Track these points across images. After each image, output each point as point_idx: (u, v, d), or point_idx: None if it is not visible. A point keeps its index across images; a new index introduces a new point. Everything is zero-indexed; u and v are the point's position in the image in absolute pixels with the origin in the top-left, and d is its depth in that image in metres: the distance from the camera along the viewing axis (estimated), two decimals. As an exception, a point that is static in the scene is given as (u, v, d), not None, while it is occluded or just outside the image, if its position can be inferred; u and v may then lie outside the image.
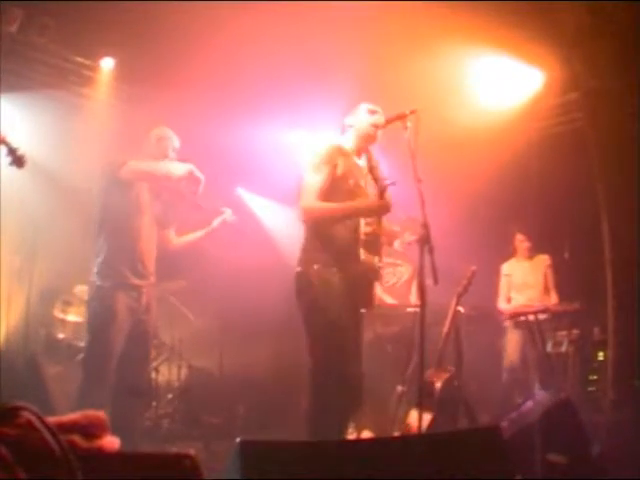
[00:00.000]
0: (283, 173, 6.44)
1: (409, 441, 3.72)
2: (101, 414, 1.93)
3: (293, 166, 6.20)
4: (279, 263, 7.14)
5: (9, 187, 6.40)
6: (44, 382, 5.87)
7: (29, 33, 6.85)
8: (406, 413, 5.32)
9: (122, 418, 4.42)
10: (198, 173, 4.82)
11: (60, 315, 6.88)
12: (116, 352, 4.84)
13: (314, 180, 4.44)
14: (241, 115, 7.11)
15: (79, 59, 7.49)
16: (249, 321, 7.19)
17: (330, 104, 5.99)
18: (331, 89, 6.33)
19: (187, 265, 6.58)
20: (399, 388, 5.77)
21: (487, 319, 7.20)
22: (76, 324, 6.85)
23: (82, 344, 6.61)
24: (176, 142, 5.25)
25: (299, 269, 4.48)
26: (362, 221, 4.45)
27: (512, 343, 7.24)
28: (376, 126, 4.60)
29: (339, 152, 4.52)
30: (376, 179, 4.63)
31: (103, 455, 1.85)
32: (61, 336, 6.76)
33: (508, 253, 7.63)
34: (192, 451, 1.95)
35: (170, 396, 6.83)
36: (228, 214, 5.53)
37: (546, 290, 7.40)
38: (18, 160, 4.24)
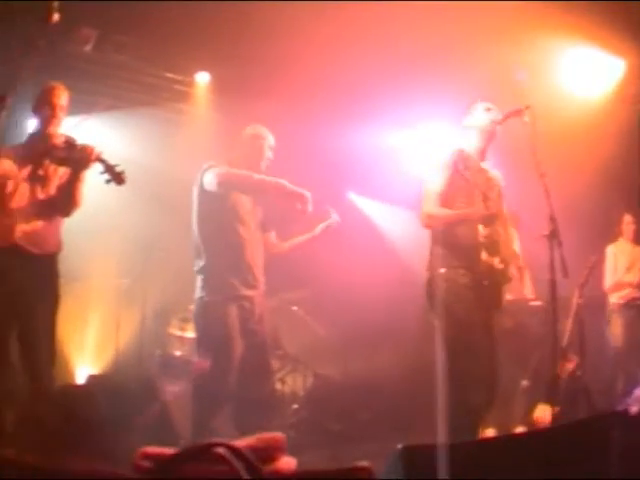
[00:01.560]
0: (391, 175, 6.56)
1: (545, 435, 3.57)
2: (278, 435, 1.97)
3: (400, 167, 6.06)
4: (397, 266, 6.99)
5: (117, 212, 6.45)
6: (163, 402, 5.78)
7: (105, 51, 6.91)
8: (531, 408, 5.28)
9: (247, 432, 4.34)
10: (299, 190, 4.70)
11: (178, 332, 6.85)
12: (233, 367, 4.69)
13: (435, 185, 4.48)
14: (344, 118, 6.99)
15: (169, 75, 7.52)
16: (371, 326, 7.03)
17: (433, 102, 6.23)
18: (432, 87, 6.33)
19: (307, 274, 6.52)
20: (524, 383, 5.80)
21: (594, 304, 6.93)
22: (193, 340, 6.71)
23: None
24: (271, 140, 5.08)
25: (428, 273, 4.53)
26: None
27: (618, 326, 7.08)
28: (495, 123, 4.59)
29: (461, 156, 4.46)
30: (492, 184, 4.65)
31: (281, 477, 1.86)
32: (178, 353, 6.73)
33: (614, 235, 7.46)
34: (366, 463, 1.91)
35: (296, 406, 6.71)
36: (334, 218, 5.35)
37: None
38: (117, 177, 4.24)
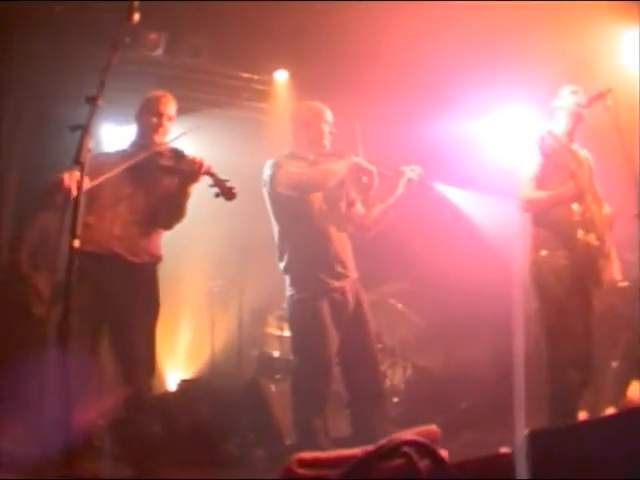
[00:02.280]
0: (475, 162, 6.45)
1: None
2: (434, 428, 2.03)
3: (483, 154, 6.11)
4: (488, 253, 6.83)
5: (210, 214, 6.45)
6: (265, 402, 5.79)
7: (178, 55, 6.96)
8: (622, 389, 5.40)
9: (364, 425, 4.46)
10: (366, 164, 4.57)
11: (276, 332, 6.82)
12: (330, 363, 4.56)
13: (529, 169, 4.62)
14: (424, 109, 6.88)
15: (247, 75, 7.55)
16: (467, 315, 6.86)
17: (511, 87, 6.26)
18: (510, 71, 6.29)
19: (403, 267, 6.45)
20: (614, 364, 5.77)
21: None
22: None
23: None
24: (329, 115, 4.84)
25: (530, 257, 4.64)
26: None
27: None
28: (581, 106, 4.69)
29: (550, 137, 4.53)
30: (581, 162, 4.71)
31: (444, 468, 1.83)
32: (276, 354, 6.69)
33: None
34: (506, 449, 1.96)
35: (396, 400, 6.64)
36: (412, 171, 4.90)
37: None
38: (228, 192, 4.13)
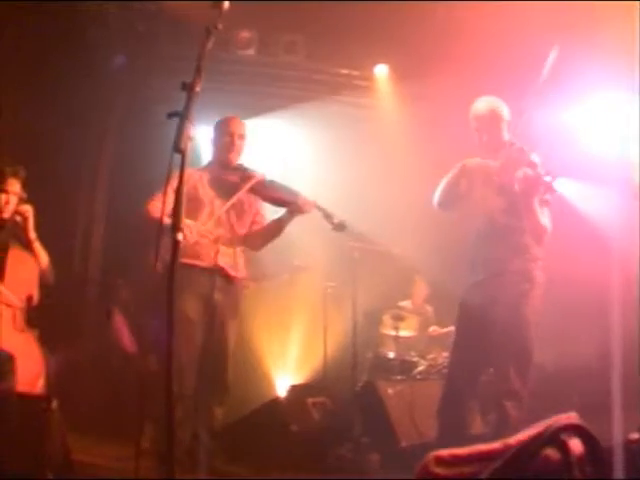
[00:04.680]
0: (574, 151, 6.16)
1: None
2: (573, 415, 1.87)
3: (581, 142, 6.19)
4: (601, 244, 6.52)
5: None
6: (381, 404, 5.68)
7: (272, 53, 6.95)
8: None
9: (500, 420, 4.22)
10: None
11: (391, 332, 6.74)
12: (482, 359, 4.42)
13: None
14: (521, 99, 6.65)
15: (346, 71, 7.47)
16: (577, 308, 6.63)
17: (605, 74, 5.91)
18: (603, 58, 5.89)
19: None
20: None
21: None
22: (407, 339, 6.81)
23: (415, 359, 6.51)
24: (505, 112, 4.68)
25: None
26: None
27: None
28: None
29: None
30: None
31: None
32: (391, 355, 6.58)
33: None
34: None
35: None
36: None
37: None
38: (338, 227, 4.47)
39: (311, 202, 4.40)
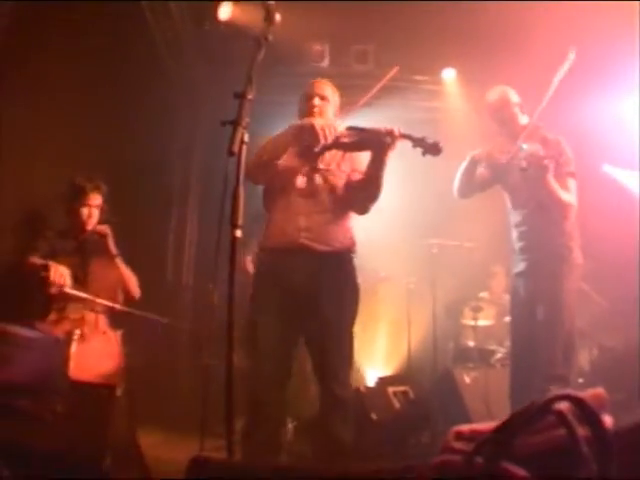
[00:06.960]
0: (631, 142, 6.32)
1: None
2: (601, 391, 1.79)
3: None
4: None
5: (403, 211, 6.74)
6: (457, 392, 5.95)
7: (344, 63, 7.18)
8: None
9: None
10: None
11: (470, 322, 6.91)
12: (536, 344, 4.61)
13: None
14: (583, 91, 6.76)
15: (415, 77, 7.69)
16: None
17: None
18: None
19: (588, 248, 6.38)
20: None
21: None
22: (486, 328, 6.95)
23: (493, 347, 6.72)
24: (514, 97, 4.88)
25: None
26: None
27: None
28: None
29: None
30: None
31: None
32: (471, 344, 6.78)
33: None
34: None
35: (581, 380, 6.55)
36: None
37: None
38: (433, 147, 3.72)
39: (391, 129, 3.80)
